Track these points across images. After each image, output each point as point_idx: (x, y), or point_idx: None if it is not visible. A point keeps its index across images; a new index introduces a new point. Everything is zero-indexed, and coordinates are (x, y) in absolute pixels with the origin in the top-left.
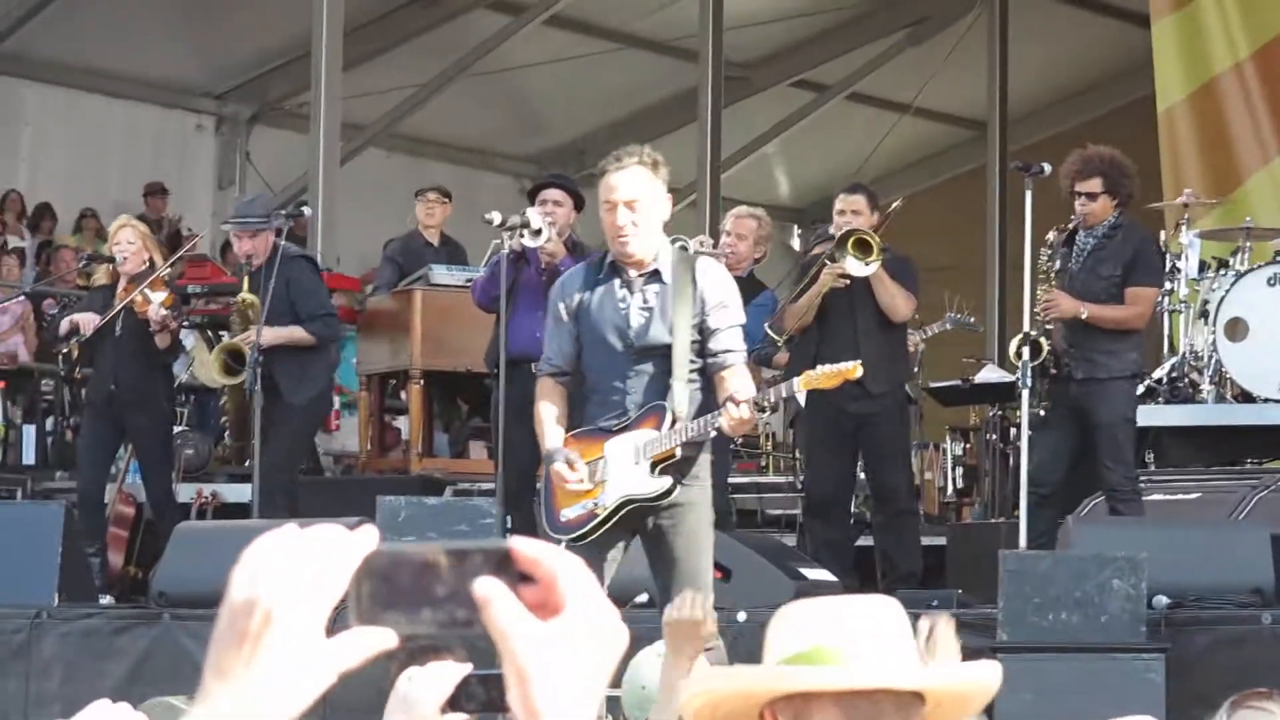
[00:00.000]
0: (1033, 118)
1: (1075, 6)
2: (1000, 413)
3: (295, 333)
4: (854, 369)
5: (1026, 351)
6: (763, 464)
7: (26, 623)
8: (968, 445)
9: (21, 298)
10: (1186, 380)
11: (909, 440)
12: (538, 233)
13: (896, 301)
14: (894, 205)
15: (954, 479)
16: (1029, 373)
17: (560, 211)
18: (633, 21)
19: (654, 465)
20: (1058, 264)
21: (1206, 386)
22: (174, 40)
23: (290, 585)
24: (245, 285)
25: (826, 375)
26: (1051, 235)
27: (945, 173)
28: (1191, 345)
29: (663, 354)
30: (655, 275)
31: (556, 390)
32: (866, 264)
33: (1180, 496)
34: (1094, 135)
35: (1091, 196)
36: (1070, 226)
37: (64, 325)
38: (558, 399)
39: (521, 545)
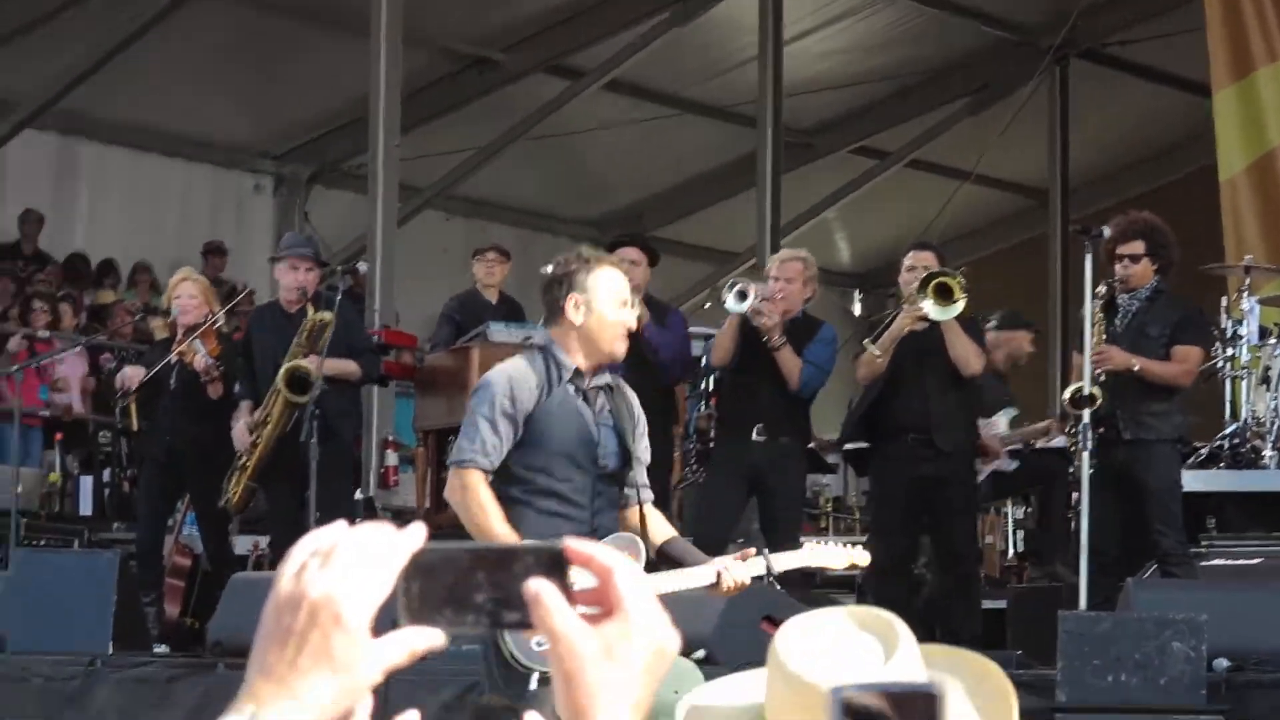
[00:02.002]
0: (1093, 186)
1: (1136, 76)
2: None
3: (348, 365)
4: (863, 560)
5: (1086, 414)
6: (822, 525)
7: (81, 670)
8: (1029, 509)
9: (79, 349)
10: (1248, 446)
11: (977, 503)
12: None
13: (969, 354)
14: (960, 269)
15: (1014, 542)
16: (1088, 435)
17: (637, 271)
18: (692, 87)
19: None
20: (1105, 322)
21: (1269, 452)
22: (233, 101)
23: (338, 583)
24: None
25: (832, 555)
26: (1101, 288)
27: (1006, 240)
28: (1253, 411)
29: (621, 476)
30: (607, 389)
31: (490, 493)
32: (949, 306)
33: (1241, 562)
34: (1155, 204)
35: (1134, 259)
36: (1110, 290)
37: (117, 382)
38: (494, 503)
39: (574, 546)
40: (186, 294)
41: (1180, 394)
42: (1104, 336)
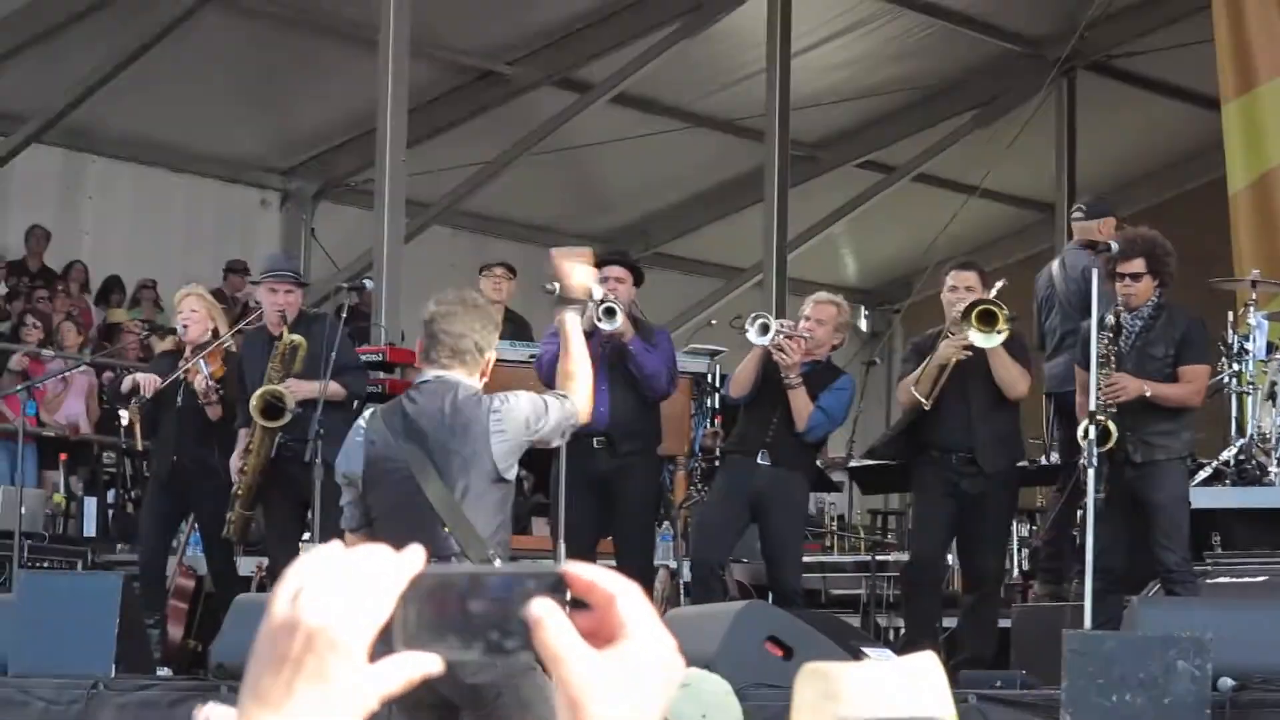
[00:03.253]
0: (1100, 199)
1: (1144, 89)
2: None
3: (330, 386)
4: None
5: (1093, 431)
6: (827, 544)
7: (83, 693)
8: (1034, 528)
9: (84, 368)
10: (1254, 463)
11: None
12: (610, 312)
13: (1015, 378)
14: (1000, 285)
15: (1020, 561)
16: (1094, 453)
17: (622, 289)
18: (699, 100)
19: None
20: (1112, 348)
21: (1274, 469)
22: (239, 116)
23: (334, 607)
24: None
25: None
26: (1109, 318)
27: (1013, 255)
28: (1259, 427)
29: None
30: None
31: None
32: (995, 333)
33: (1247, 580)
34: (1162, 217)
35: (1135, 277)
36: (1115, 313)
37: (127, 382)
38: None
39: (576, 570)
40: (190, 309)
41: (1189, 412)
42: (1114, 365)
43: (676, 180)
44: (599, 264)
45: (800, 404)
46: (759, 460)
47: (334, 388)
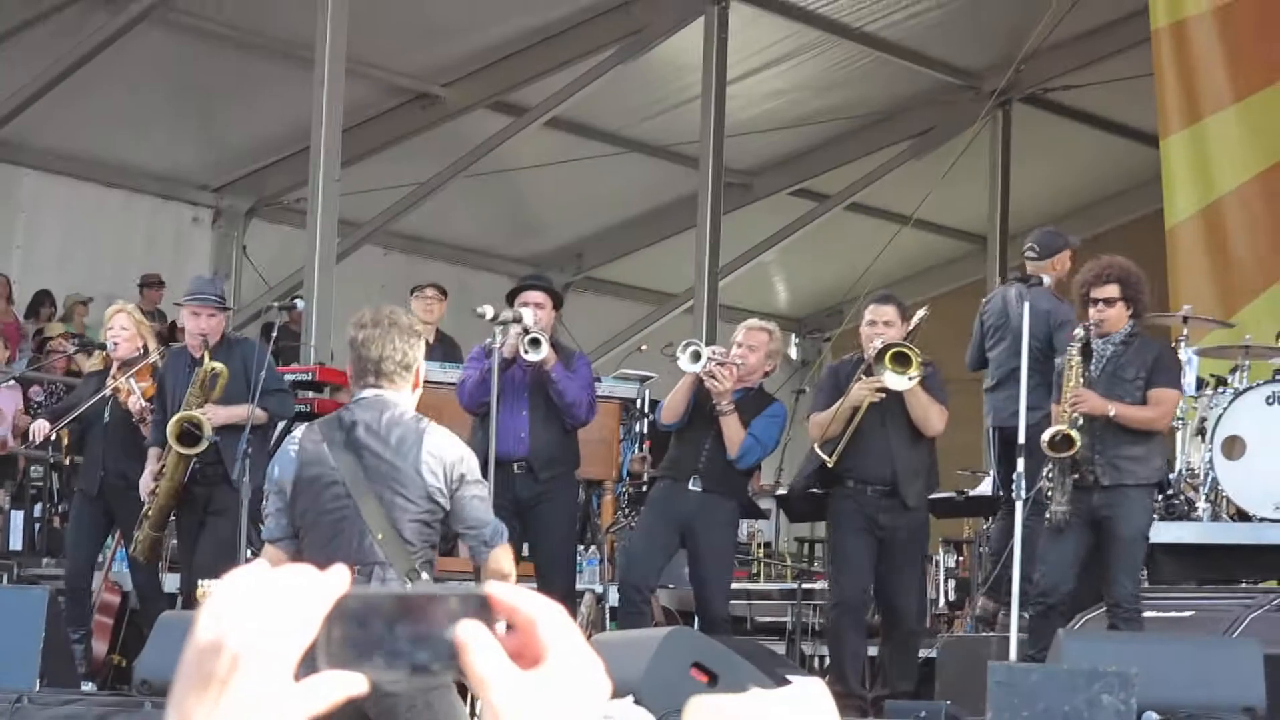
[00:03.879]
0: (1034, 232)
1: (1079, 122)
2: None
3: (253, 411)
4: None
5: (1021, 463)
6: (754, 570)
7: (8, 707)
8: (961, 558)
9: (12, 383)
10: (1182, 498)
11: (923, 560)
12: (535, 343)
13: (930, 416)
14: (920, 315)
15: (946, 591)
16: (1023, 484)
17: (543, 314)
18: (634, 126)
19: None
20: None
21: (1202, 504)
22: (172, 132)
23: (259, 627)
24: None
25: None
26: (1079, 331)
27: (945, 285)
28: (1188, 462)
29: None
30: None
31: None
32: (907, 377)
33: (1174, 614)
34: (1096, 251)
35: (1109, 303)
36: (1085, 333)
37: (30, 434)
38: None
39: (499, 591)
40: (119, 325)
41: (1159, 438)
42: (1081, 380)
43: (609, 204)
44: (520, 289)
45: (733, 430)
46: (690, 486)
47: (251, 412)
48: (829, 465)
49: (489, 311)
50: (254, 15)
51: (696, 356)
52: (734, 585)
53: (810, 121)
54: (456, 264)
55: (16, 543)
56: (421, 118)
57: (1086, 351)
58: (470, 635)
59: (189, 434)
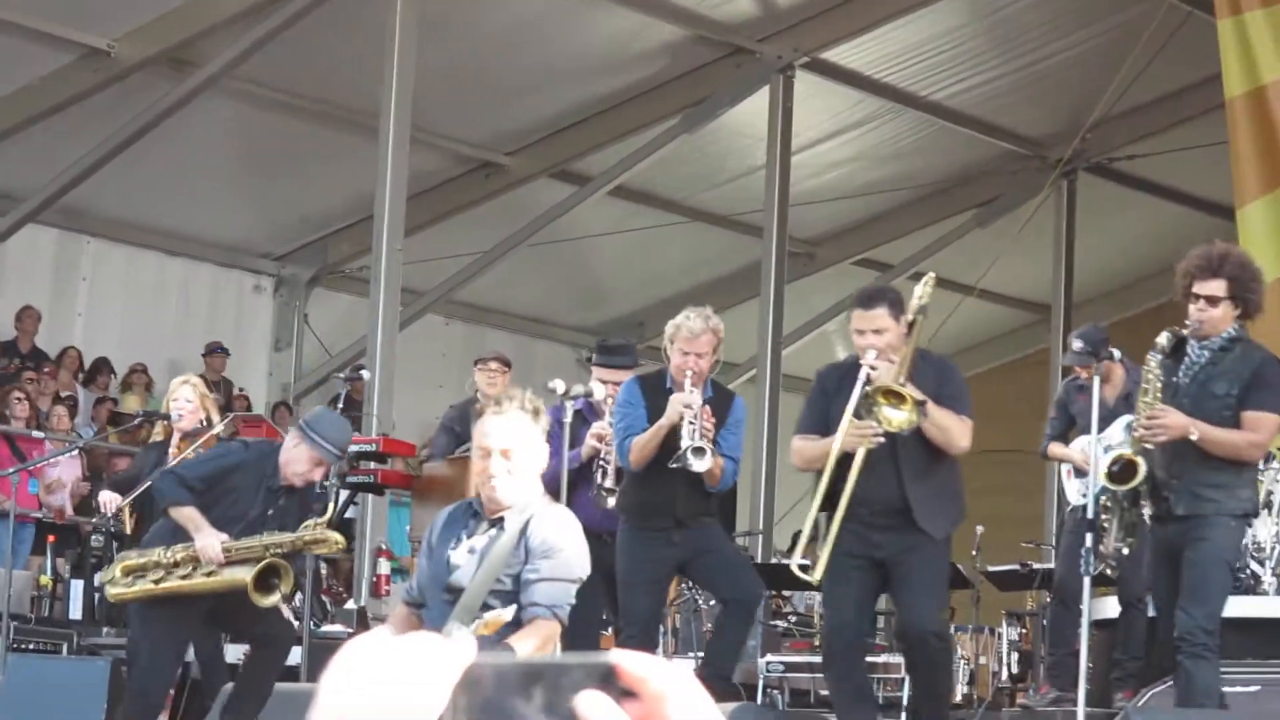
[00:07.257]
0: (1098, 302)
1: (1144, 192)
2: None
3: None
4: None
5: (1090, 538)
6: (816, 644)
7: None
8: (1023, 630)
9: (76, 452)
10: (1248, 571)
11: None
12: (699, 452)
13: (951, 435)
14: (920, 293)
15: (1009, 664)
16: (1091, 561)
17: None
18: (697, 195)
19: None
20: (1163, 376)
21: (1268, 579)
22: (235, 200)
23: (384, 698)
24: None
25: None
26: (1162, 339)
27: (1008, 355)
28: (1254, 536)
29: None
30: (500, 522)
31: (407, 621)
32: (904, 408)
33: (1239, 689)
34: (1161, 321)
35: (1212, 301)
36: (1180, 334)
37: (100, 504)
38: (404, 628)
39: (626, 660)
40: (184, 398)
41: (1249, 467)
42: (1159, 396)
43: (672, 273)
44: (601, 364)
45: (714, 467)
46: (673, 539)
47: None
48: (811, 581)
49: (560, 386)
50: (318, 84)
51: (701, 452)
52: (795, 658)
53: (874, 190)
54: (518, 333)
55: (76, 612)
56: (485, 186)
57: (1178, 352)
58: (591, 707)
59: (268, 582)
